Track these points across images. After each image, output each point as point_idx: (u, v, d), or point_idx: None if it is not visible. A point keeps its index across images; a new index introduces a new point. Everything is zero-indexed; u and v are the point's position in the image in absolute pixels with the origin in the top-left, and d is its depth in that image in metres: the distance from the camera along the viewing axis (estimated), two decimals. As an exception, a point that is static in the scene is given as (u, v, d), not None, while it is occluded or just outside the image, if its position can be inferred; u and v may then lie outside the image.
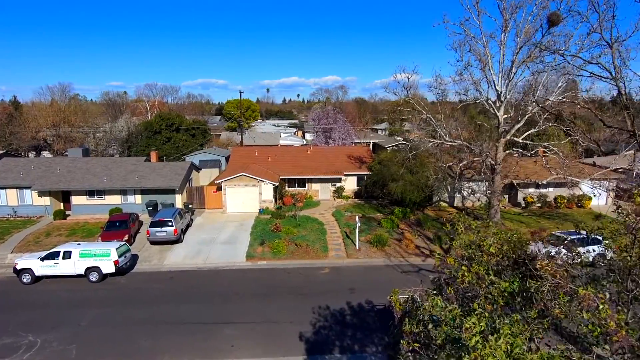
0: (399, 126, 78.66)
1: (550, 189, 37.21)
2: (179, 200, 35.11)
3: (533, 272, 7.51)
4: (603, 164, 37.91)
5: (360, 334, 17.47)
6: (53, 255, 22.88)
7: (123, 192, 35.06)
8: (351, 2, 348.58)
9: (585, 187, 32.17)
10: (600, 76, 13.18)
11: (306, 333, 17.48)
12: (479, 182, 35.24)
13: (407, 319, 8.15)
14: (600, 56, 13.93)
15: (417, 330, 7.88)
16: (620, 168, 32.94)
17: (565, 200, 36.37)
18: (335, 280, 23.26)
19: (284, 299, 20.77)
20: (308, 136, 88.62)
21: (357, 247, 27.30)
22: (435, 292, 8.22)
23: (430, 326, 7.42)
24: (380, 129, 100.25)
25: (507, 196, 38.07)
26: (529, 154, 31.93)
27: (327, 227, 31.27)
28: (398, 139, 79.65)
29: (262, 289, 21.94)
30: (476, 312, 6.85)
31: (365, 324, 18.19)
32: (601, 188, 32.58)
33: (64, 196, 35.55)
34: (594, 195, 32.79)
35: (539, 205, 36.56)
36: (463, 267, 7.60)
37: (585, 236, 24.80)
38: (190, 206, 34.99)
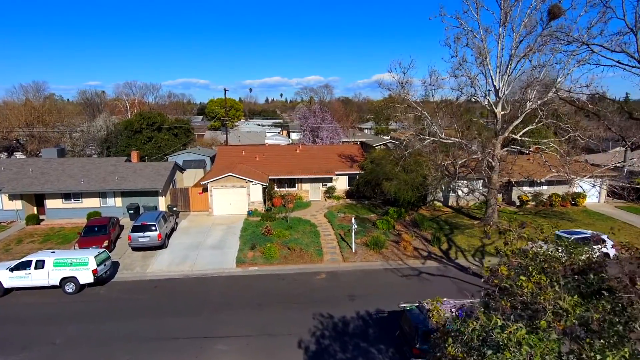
0: (391, 123, 77.80)
1: (544, 187, 36.68)
2: (162, 203, 33.21)
3: (619, 289, 6.24)
4: (593, 161, 37.68)
5: (365, 345, 16.17)
6: (24, 265, 20.82)
7: (102, 195, 32.94)
8: (333, 2, 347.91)
9: (585, 185, 31.56)
10: (627, 65, 12.22)
11: (307, 346, 16.08)
12: (475, 181, 34.41)
13: (449, 339, 6.80)
14: (626, 44, 12.99)
15: (462, 356, 6.50)
16: (614, 165, 32.55)
17: (560, 199, 35.86)
18: (332, 286, 21.89)
19: (280, 308, 19.29)
20: (293, 135, 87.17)
21: (353, 250, 26.00)
22: (488, 307, 6.88)
23: (489, 352, 5.97)
24: (366, 128, 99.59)
25: (500, 195, 37.40)
26: (526, 152, 31.25)
27: (320, 229, 29.89)
28: (385, 137, 79.02)
29: (256, 297, 20.41)
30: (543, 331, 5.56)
31: (369, 335, 16.90)
32: (602, 186, 32.18)
33: (38, 200, 33.23)
34: (598, 192, 32.30)
35: (534, 203, 35.98)
36: (522, 277, 6.30)
37: (589, 235, 23.88)
38: (174, 209, 33.11)
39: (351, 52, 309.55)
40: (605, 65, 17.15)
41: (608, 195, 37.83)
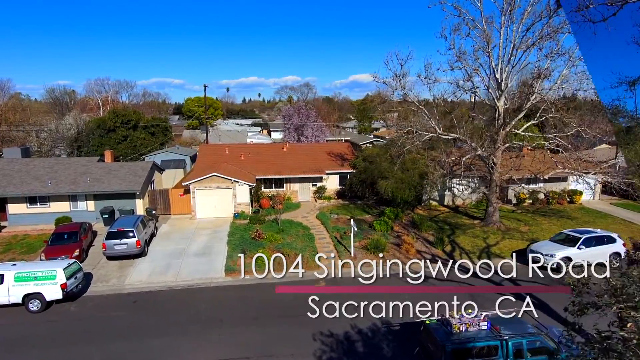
0: (373, 122, 76.42)
1: (540, 185, 35.70)
2: (140, 206, 30.49)
3: None
4: (586, 157, 37.00)
5: (379, 366, 14.29)
6: (-21, 281, 18.04)
7: (72, 198, 29.95)
8: (310, 2, 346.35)
9: (591, 182, 30.60)
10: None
11: (314, 369, 14.06)
12: (474, 179, 33.07)
13: None
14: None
15: None
16: (612, 162, 31.77)
17: (557, 196, 34.99)
18: (334, 295, 19.81)
19: (278, 323, 17.20)
20: (275, 134, 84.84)
21: (352, 255, 24.11)
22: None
23: None
24: (348, 127, 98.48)
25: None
26: (529, 147, 30.11)
27: (314, 232, 27.89)
28: (370, 136, 77.76)
29: (250, 311, 18.24)
30: None
31: (384, 352, 15.05)
32: (605, 182, 31.33)
33: (-1, 204, 30.02)
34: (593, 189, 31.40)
35: (531, 201, 34.98)
36: None
37: (599, 235, 22.42)
38: (153, 212, 30.47)
39: (328, 53, 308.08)
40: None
41: (603, 192, 37.31)
